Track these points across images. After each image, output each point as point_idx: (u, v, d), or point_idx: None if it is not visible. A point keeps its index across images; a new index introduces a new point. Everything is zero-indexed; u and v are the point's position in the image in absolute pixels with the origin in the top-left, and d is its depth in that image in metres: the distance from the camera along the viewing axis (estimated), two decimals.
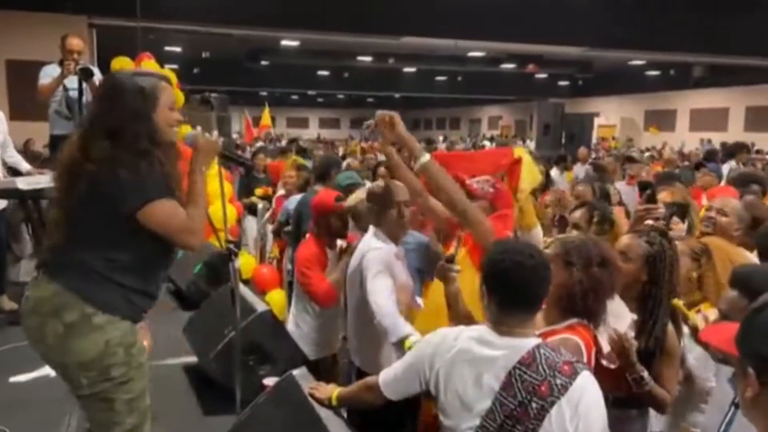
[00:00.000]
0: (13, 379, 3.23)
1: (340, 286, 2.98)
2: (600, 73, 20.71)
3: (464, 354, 1.60)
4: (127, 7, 8.81)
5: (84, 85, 4.40)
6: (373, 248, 2.53)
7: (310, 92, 28.62)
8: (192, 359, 3.46)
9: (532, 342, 1.55)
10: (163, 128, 1.94)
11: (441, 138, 26.84)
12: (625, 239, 2.23)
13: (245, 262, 5.39)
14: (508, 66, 19.02)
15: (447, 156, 3.40)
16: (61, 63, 4.68)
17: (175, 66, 18.71)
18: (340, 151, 18.47)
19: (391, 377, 1.77)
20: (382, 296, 2.38)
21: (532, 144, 20.95)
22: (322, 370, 3.05)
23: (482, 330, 1.63)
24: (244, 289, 3.14)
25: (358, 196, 3.06)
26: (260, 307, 3.11)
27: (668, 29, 12.28)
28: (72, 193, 1.89)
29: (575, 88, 25.23)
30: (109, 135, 1.87)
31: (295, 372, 2.19)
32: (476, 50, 16.85)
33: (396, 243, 2.63)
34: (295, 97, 30.58)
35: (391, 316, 2.32)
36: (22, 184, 3.83)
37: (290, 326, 3.31)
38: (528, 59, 18.36)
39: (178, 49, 16.62)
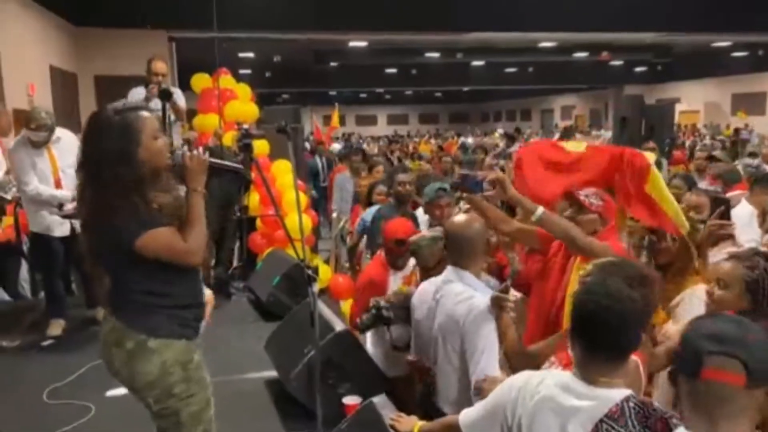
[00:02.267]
0: (110, 393, 3.40)
1: None
2: (680, 57, 19.67)
3: (548, 402, 1.55)
4: (204, 20, 9.17)
5: (166, 105, 4.65)
6: (480, 308, 2.28)
7: (377, 90, 28.74)
8: (273, 373, 3.56)
9: (621, 394, 1.47)
10: (151, 159, 2.00)
11: (500, 131, 26.44)
12: (723, 265, 2.11)
13: (321, 270, 5.50)
14: (581, 55, 18.44)
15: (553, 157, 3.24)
16: (146, 85, 4.94)
17: (248, 71, 19.34)
18: (410, 148, 18.49)
19: (471, 419, 1.75)
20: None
21: (608, 134, 20.26)
22: (400, 387, 3.08)
23: (567, 377, 1.57)
24: (322, 307, 3.19)
25: (423, 236, 3.06)
26: (338, 326, 3.16)
27: (754, 7, 11.50)
28: (87, 242, 2.05)
29: (654, 73, 24.06)
30: (94, 177, 1.97)
31: (376, 400, 2.22)
32: (547, 41, 16.42)
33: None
34: (363, 95, 30.81)
35: None
36: None
37: (368, 344, 3.41)
38: (601, 47, 17.72)
39: (250, 55, 17.10)
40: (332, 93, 26.36)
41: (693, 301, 2.42)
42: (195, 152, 2.07)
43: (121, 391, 3.33)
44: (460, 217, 2.57)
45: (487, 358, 2.22)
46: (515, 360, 2.25)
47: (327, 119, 28.25)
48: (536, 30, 12.74)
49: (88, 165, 2.00)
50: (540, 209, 2.32)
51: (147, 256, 1.97)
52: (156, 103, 4.77)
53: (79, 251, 4.27)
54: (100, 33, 10.29)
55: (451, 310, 2.35)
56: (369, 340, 3.32)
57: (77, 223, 4.12)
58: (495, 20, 11.71)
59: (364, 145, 19.61)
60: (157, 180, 2.04)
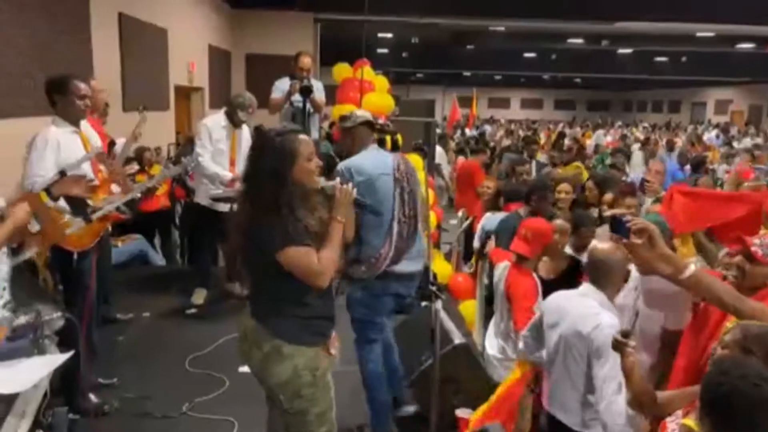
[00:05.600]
0: (242, 369, 3.69)
1: None
2: None
3: None
4: (348, 3, 9.44)
5: (306, 100, 4.94)
6: (610, 325, 2.38)
7: (513, 73, 27.96)
8: None
9: None
10: (303, 180, 2.18)
11: (645, 124, 24.61)
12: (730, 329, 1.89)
13: (441, 267, 5.56)
14: (745, 46, 16.76)
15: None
16: (292, 77, 5.23)
17: (386, 50, 19.63)
18: (542, 138, 17.79)
19: None
20: (619, 404, 2.27)
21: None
22: None
23: None
24: (443, 316, 3.24)
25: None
26: (457, 338, 3.22)
27: None
28: (242, 245, 2.22)
29: None
30: (252, 191, 2.17)
31: (490, 427, 2.26)
32: (704, 31, 15.07)
33: None
34: (498, 77, 30.13)
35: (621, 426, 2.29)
36: None
37: (490, 349, 3.47)
38: None
39: (389, 35, 17.32)
40: (467, 74, 26.03)
41: None
42: (346, 187, 2.25)
43: None
44: (606, 244, 2.66)
45: (605, 384, 2.31)
46: (644, 400, 2.19)
47: (460, 101, 27.97)
48: (692, 21, 11.72)
49: (249, 179, 2.21)
50: (690, 269, 2.17)
51: (285, 269, 2.15)
52: (297, 98, 5.07)
53: (228, 228, 4.66)
54: (253, 14, 10.96)
55: (578, 323, 2.47)
56: (489, 344, 3.42)
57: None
58: (644, 8, 10.90)
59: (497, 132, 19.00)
60: (307, 199, 2.22)
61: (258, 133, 2.28)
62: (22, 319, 2.06)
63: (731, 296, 2.12)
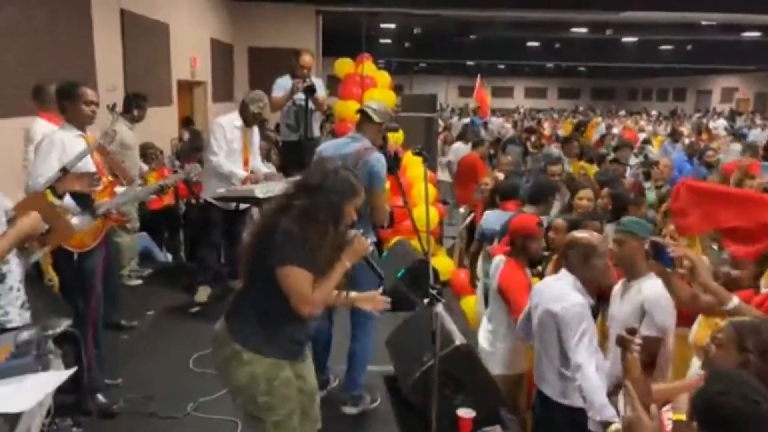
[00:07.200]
0: None
1: None
2: None
3: None
4: None
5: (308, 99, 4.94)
6: (576, 303, 2.69)
7: (517, 62, 27.81)
8: (392, 369, 3.71)
9: None
10: (345, 221, 2.27)
11: (654, 113, 24.49)
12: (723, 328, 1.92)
13: (443, 263, 5.59)
14: (751, 34, 16.63)
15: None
16: (293, 75, 5.22)
17: (388, 41, 19.55)
18: (546, 128, 17.69)
19: None
20: (591, 367, 2.55)
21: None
22: (508, 386, 3.36)
23: None
24: (443, 316, 3.25)
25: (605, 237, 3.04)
26: (458, 339, 3.23)
27: None
28: (256, 242, 2.24)
29: None
30: (307, 200, 2.19)
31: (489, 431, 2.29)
32: (709, 21, 14.95)
33: (590, 294, 2.79)
34: (501, 66, 29.99)
35: (600, 393, 2.49)
36: (259, 192, 4.34)
37: (482, 342, 3.56)
38: None
39: (392, 26, 17.26)
40: (470, 64, 25.92)
41: None
42: (365, 239, 2.33)
43: None
44: (582, 233, 2.87)
45: (576, 352, 2.59)
46: (641, 390, 2.22)
47: (463, 90, 27.76)
48: (696, 10, 11.63)
49: (310, 191, 2.23)
50: (734, 301, 2.20)
51: (278, 284, 2.16)
52: (299, 96, 5.07)
53: (235, 227, 4.65)
54: (255, 6, 10.91)
55: (550, 303, 2.76)
56: (482, 338, 3.51)
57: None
58: None
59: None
60: (338, 237, 2.26)
61: (327, 162, 2.43)
62: (26, 335, 2.08)
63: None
